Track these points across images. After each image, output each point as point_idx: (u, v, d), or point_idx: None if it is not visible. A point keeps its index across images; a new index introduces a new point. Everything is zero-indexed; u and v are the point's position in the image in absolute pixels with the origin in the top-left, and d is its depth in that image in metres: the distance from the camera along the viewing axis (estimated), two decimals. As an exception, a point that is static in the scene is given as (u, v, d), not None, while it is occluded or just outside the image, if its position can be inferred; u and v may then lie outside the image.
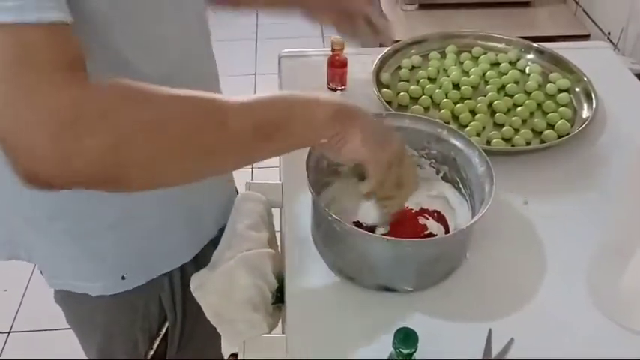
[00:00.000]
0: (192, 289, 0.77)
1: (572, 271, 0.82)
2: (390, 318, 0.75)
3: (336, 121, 0.67)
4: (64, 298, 0.88)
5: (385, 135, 0.73)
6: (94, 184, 0.56)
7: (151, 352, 0.90)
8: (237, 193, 0.95)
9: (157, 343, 0.89)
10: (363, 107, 0.72)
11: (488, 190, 0.77)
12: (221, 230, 0.87)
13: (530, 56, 1.20)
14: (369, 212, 0.81)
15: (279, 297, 0.82)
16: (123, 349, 0.90)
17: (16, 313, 1.96)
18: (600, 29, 1.57)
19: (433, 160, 0.88)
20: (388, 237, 0.78)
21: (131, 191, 0.60)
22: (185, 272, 0.87)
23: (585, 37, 1.63)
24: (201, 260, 0.86)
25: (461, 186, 0.85)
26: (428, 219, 0.85)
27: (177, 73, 0.69)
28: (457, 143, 0.84)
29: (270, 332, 0.78)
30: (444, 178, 0.87)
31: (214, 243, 0.86)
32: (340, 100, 0.70)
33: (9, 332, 1.91)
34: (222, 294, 0.75)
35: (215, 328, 0.76)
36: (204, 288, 0.76)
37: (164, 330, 0.89)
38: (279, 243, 0.91)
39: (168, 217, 0.82)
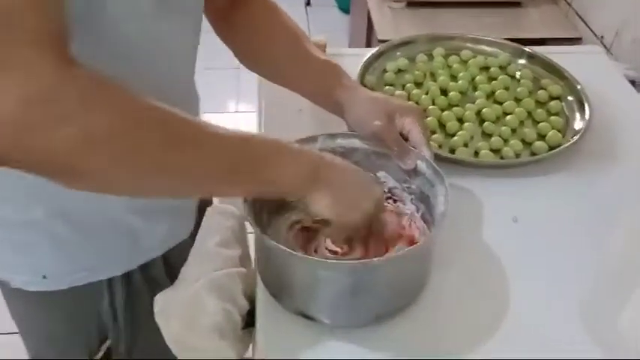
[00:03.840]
0: (155, 314, 0.71)
1: (565, 298, 0.76)
2: (380, 347, 0.70)
3: (307, 182, 0.65)
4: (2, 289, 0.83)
5: (359, 194, 0.69)
6: (46, 169, 0.51)
7: None
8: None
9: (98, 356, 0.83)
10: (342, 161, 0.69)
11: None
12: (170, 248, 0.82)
13: (522, 61, 1.15)
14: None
15: (250, 321, 0.76)
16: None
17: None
18: (593, 32, 1.52)
19: (413, 196, 0.80)
20: (300, 253, 0.70)
21: (76, 187, 0.55)
22: (131, 283, 0.80)
23: (577, 40, 1.58)
24: (150, 272, 0.80)
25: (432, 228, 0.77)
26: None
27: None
28: (432, 179, 0.77)
29: (239, 358, 0.72)
30: (423, 217, 0.79)
31: (165, 258, 0.80)
32: (318, 156, 0.67)
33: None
34: (187, 321, 0.69)
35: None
36: (167, 312, 0.70)
37: (106, 345, 0.83)
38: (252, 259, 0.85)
39: (98, 223, 0.75)
